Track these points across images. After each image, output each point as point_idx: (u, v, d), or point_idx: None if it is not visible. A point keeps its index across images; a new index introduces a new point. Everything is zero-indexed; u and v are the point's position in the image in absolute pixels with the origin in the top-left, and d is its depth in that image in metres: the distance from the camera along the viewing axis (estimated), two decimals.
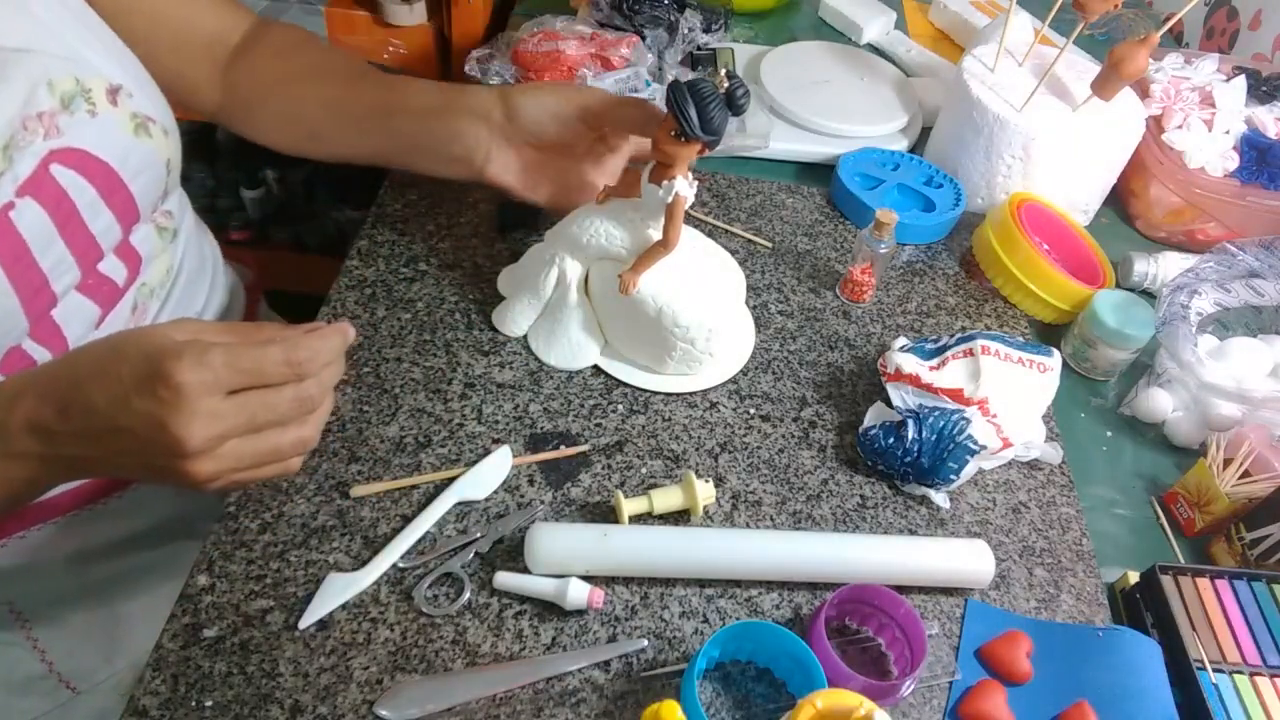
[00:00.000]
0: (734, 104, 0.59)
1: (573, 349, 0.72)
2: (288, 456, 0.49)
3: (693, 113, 0.58)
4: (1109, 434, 0.79)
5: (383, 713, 0.53)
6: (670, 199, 0.63)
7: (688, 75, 0.65)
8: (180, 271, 0.71)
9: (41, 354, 0.58)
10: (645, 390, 0.72)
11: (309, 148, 0.75)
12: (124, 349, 0.46)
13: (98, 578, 0.72)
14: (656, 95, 0.94)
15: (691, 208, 0.88)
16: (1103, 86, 0.86)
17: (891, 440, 0.67)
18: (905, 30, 1.22)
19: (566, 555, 0.59)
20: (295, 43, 0.75)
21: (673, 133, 0.60)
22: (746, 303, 0.80)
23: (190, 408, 0.43)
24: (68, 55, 0.57)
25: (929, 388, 0.70)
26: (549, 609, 0.59)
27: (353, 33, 1.14)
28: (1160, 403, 0.78)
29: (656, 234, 0.66)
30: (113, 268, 0.62)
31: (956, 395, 0.69)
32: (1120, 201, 1.00)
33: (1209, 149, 0.94)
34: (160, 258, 0.68)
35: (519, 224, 0.83)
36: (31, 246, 0.55)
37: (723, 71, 0.59)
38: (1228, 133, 0.95)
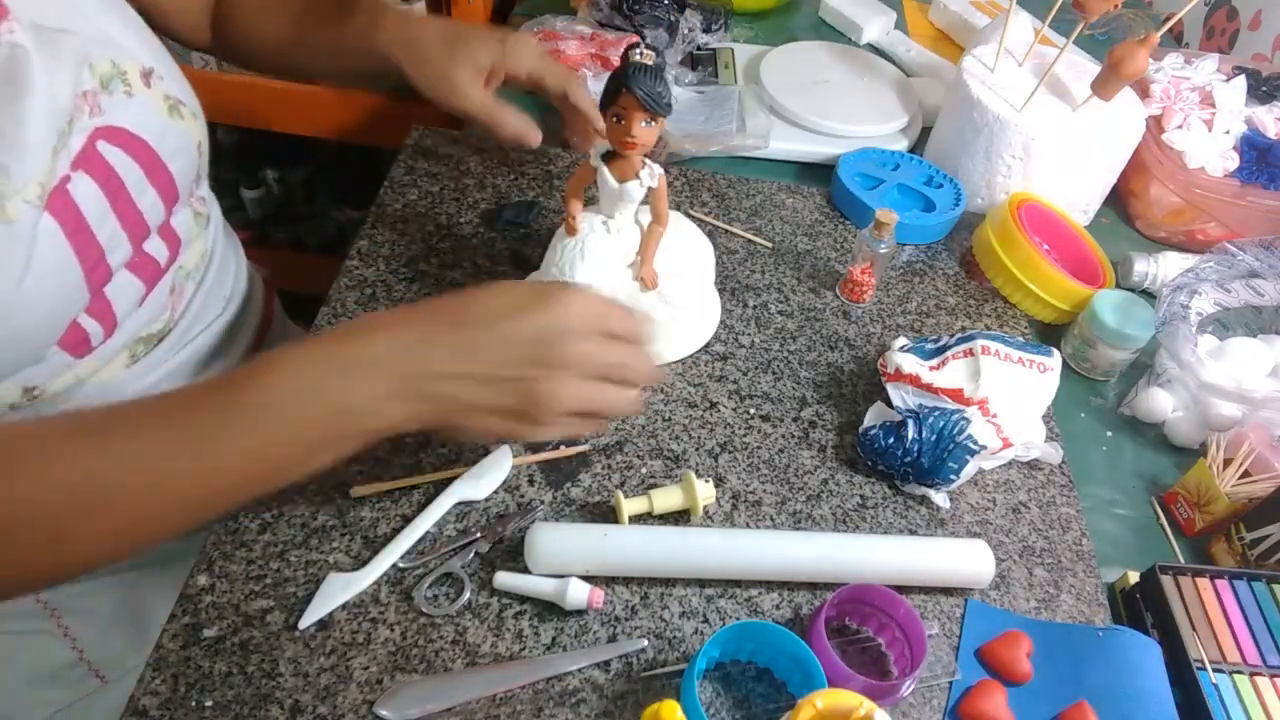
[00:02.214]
0: (659, 72, 0.61)
1: None
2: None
3: (660, 90, 0.60)
4: (1109, 434, 0.79)
5: (383, 713, 0.53)
6: (655, 182, 0.66)
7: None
8: (213, 258, 0.73)
9: (94, 328, 0.59)
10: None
11: (291, 52, 0.78)
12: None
13: (123, 566, 0.72)
14: None
15: (692, 207, 0.89)
16: (1103, 86, 0.86)
17: (891, 440, 0.67)
18: (905, 30, 1.22)
19: (566, 555, 0.59)
20: None
21: (643, 123, 0.62)
22: (747, 302, 0.80)
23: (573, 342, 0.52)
24: (101, 38, 0.58)
25: (929, 388, 0.70)
26: (549, 609, 0.59)
27: None
28: (1160, 403, 0.78)
29: (632, 225, 0.69)
30: (156, 247, 0.64)
31: (956, 395, 0.69)
32: (1120, 201, 1.00)
33: (1209, 149, 0.94)
34: (196, 242, 0.69)
35: (517, 223, 0.83)
36: (89, 220, 0.56)
37: (637, 53, 0.61)
38: (1228, 133, 0.95)
